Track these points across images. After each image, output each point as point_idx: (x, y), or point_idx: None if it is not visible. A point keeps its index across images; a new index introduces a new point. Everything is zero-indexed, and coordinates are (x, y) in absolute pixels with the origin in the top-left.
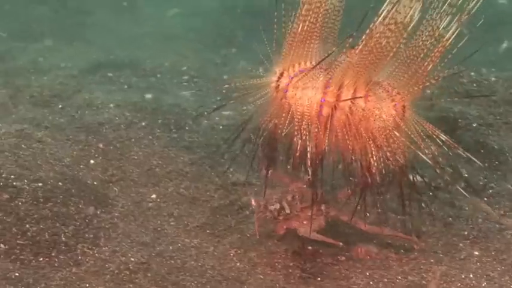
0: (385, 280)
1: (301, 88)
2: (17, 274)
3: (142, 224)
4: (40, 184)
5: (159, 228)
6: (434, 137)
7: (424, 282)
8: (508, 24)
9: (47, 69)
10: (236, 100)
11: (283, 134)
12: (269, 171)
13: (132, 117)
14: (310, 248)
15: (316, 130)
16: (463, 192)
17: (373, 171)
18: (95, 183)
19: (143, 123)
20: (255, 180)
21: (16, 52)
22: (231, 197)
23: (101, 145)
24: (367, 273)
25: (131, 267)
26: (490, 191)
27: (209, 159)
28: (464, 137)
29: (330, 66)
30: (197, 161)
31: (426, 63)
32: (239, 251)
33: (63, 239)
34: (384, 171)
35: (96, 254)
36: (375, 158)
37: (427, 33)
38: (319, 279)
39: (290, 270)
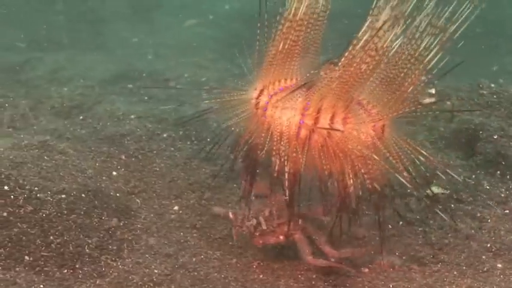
0: None
1: (281, 108)
2: (41, 286)
3: (165, 236)
4: (63, 196)
5: (182, 240)
6: (416, 154)
7: None
8: None
9: (66, 79)
10: (216, 114)
11: (262, 152)
12: (249, 185)
13: (153, 128)
14: (333, 260)
15: (294, 151)
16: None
17: (350, 192)
18: (118, 194)
19: (165, 135)
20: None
21: (35, 62)
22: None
23: (123, 157)
24: (391, 286)
25: (155, 279)
26: None
27: (230, 171)
28: (485, 149)
29: (309, 88)
30: (219, 172)
31: (407, 83)
32: (262, 263)
33: (87, 250)
34: (361, 193)
35: (120, 266)
36: (352, 180)
37: (407, 53)
38: None
39: (313, 282)
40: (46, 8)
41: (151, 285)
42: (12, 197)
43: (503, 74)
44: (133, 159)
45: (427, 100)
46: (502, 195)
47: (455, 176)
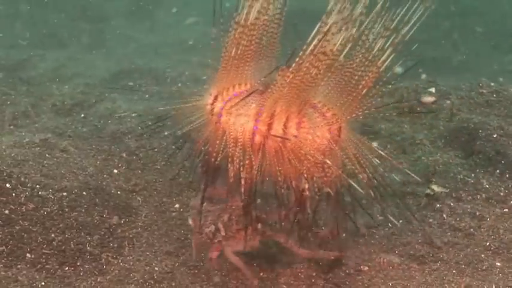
0: None
1: (235, 114)
2: (43, 283)
3: (166, 234)
4: (65, 194)
5: (182, 238)
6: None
7: None
8: None
9: (67, 77)
10: (173, 120)
11: (218, 158)
12: (203, 191)
13: (154, 126)
14: (333, 257)
15: (249, 157)
16: None
17: (306, 195)
18: (119, 192)
19: (165, 133)
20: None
21: (36, 60)
22: None
23: (124, 155)
24: (390, 284)
25: (155, 277)
26: (511, 202)
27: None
28: (485, 148)
29: (263, 93)
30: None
31: (361, 86)
32: (261, 261)
33: (88, 248)
34: (317, 195)
35: (121, 263)
36: (307, 184)
37: (361, 56)
38: None
39: (313, 280)
40: (48, 6)
41: (152, 282)
42: (14, 194)
43: (503, 73)
44: (134, 157)
45: (427, 99)
46: (501, 194)
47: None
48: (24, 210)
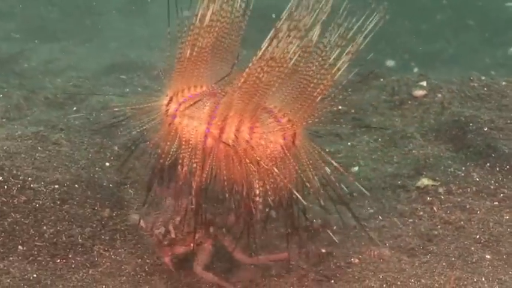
0: (398, 283)
1: (188, 116)
2: (34, 275)
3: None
4: (57, 186)
5: None
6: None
7: (436, 285)
8: None
9: (60, 70)
10: (129, 120)
11: (168, 160)
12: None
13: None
14: (323, 250)
15: (200, 160)
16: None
17: (257, 201)
18: (111, 185)
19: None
20: None
21: (29, 53)
22: None
23: (116, 148)
24: (380, 276)
25: (147, 269)
26: (501, 195)
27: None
28: (475, 141)
29: (218, 96)
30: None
31: (316, 93)
32: (253, 253)
33: (80, 240)
34: (270, 201)
35: (113, 256)
36: (259, 189)
37: (317, 63)
38: (332, 281)
39: (303, 273)
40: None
41: (144, 275)
42: (5, 187)
43: (495, 67)
44: (126, 150)
45: (418, 92)
46: (492, 187)
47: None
48: (16, 203)
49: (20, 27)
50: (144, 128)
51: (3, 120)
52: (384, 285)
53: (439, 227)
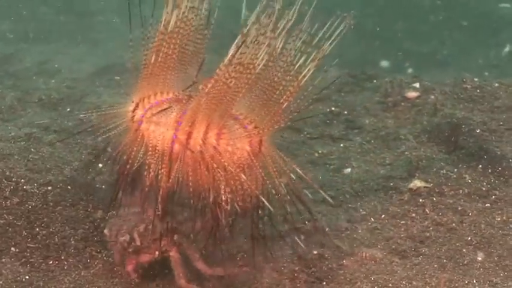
0: (390, 285)
1: (155, 122)
2: (27, 277)
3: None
4: (50, 188)
5: None
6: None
7: (428, 287)
8: (510, 28)
9: (54, 71)
10: (95, 126)
11: (134, 166)
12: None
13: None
14: (315, 252)
15: (167, 166)
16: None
17: (223, 208)
18: (103, 187)
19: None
20: None
21: (23, 54)
22: None
23: (109, 149)
24: (372, 278)
25: (140, 271)
26: (493, 197)
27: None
28: (468, 143)
29: (185, 102)
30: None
31: (282, 100)
32: (245, 255)
33: (73, 242)
34: (235, 208)
35: (105, 258)
36: (225, 196)
37: (283, 71)
38: (324, 283)
39: (296, 275)
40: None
41: (136, 276)
42: None
43: (489, 68)
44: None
45: (411, 94)
46: (483, 188)
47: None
48: (8, 205)
49: (15, 27)
50: (110, 134)
51: None
52: (375, 287)
53: (431, 228)
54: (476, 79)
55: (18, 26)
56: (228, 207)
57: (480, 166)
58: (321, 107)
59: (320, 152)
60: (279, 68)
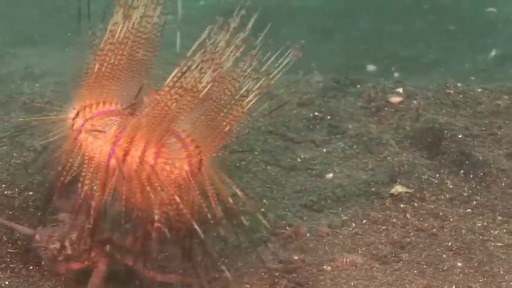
0: None
1: (94, 134)
2: (7, 283)
3: None
4: (31, 193)
5: None
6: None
7: None
8: (497, 32)
9: (38, 75)
10: (34, 131)
11: (70, 176)
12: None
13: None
14: (296, 257)
15: (102, 179)
16: None
17: (156, 225)
18: None
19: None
20: None
21: (7, 57)
22: None
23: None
24: (352, 284)
25: (121, 277)
26: (474, 202)
27: None
28: (450, 148)
29: (127, 116)
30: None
31: (225, 122)
32: (226, 260)
33: None
34: (169, 226)
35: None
36: (159, 215)
37: (228, 94)
38: None
39: (276, 280)
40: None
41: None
42: None
43: (475, 73)
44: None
45: (395, 99)
46: (465, 194)
47: None
48: None
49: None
50: (48, 139)
51: None
52: None
53: (411, 234)
54: (459, 84)
55: (2, 29)
56: (160, 226)
57: (462, 171)
58: (304, 111)
59: (302, 157)
60: (225, 91)
